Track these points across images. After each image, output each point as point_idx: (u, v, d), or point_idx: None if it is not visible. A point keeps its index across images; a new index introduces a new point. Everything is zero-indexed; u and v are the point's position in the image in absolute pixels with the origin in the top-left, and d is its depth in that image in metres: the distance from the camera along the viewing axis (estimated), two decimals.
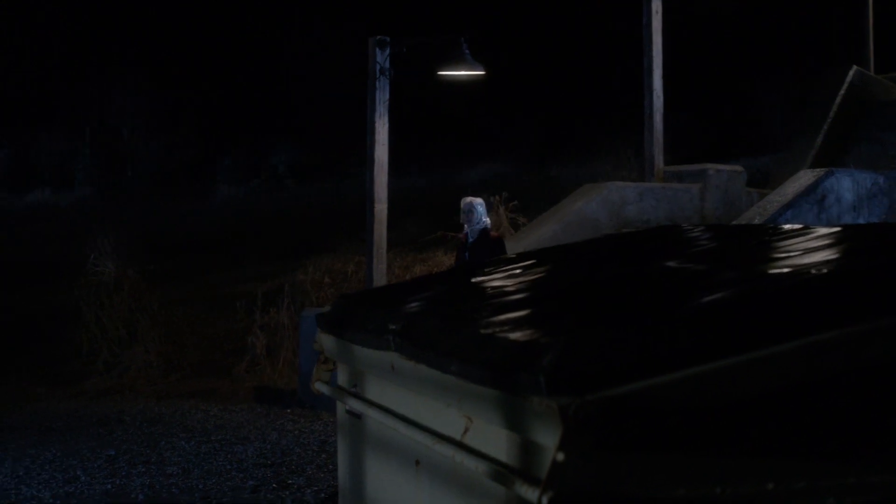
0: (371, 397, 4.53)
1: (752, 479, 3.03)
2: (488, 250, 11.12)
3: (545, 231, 13.54)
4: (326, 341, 4.93)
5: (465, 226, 11.66)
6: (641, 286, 3.88)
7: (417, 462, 4.08)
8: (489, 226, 11.71)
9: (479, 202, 11.71)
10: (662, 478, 2.97)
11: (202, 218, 27.30)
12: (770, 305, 3.25)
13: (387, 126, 13.19)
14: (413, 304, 4.36)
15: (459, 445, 3.63)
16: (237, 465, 10.07)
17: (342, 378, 4.93)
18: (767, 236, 4.69)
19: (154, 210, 28.74)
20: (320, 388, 5.01)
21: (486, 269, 5.01)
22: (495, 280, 4.70)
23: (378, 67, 13.11)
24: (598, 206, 13.81)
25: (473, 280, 4.81)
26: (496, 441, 3.40)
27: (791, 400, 3.09)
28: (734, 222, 12.64)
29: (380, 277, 13.01)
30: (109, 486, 9.36)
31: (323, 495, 8.83)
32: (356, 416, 4.70)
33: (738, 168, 15.16)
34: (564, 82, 30.06)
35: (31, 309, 17.39)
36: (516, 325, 3.49)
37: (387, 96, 13.15)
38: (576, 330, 3.20)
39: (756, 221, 11.83)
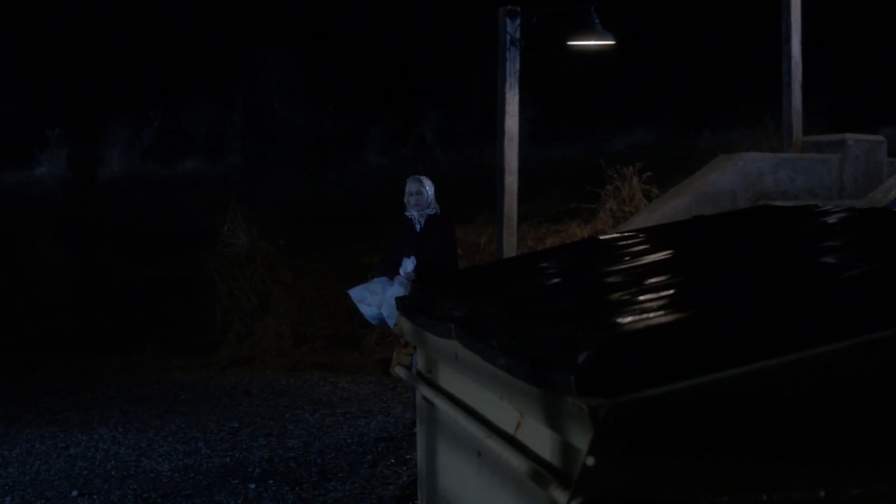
0: (442, 384, 4.44)
1: (801, 486, 2.87)
2: (441, 241, 9.81)
3: (678, 203, 13.24)
4: (405, 325, 4.84)
5: (413, 210, 9.88)
6: (696, 278, 3.70)
7: (479, 454, 3.97)
8: (439, 212, 10.00)
9: (428, 182, 10.00)
10: (702, 484, 2.82)
11: (347, 188, 27.42)
12: (821, 301, 3.05)
13: (517, 97, 12.98)
14: (483, 291, 4.25)
15: (511, 441, 3.51)
16: (358, 439, 10.06)
17: (421, 363, 4.84)
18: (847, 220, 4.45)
19: (300, 180, 28.98)
20: (399, 372, 4.93)
21: (567, 251, 4.87)
22: (573, 263, 4.55)
23: (508, 38, 12.90)
24: (733, 177, 13.45)
25: (550, 263, 4.66)
26: (542, 439, 3.28)
27: (844, 402, 2.91)
28: (870, 194, 12.21)
29: (510, 250, 12.86)
30: (228, 460, 9.43)
31: (404, 480, 8.75)
32: (431, 402, 4.61)
33: (880, 138, 14.63)
34: (710, 49, 29.48)
35: (174, 279, 17.63)
36: (566, 316, 3.35)
37: (517, 67, 12.92)
38: (615, 326, 3.05)
39: (892, 193, 11.40)
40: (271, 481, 8.75)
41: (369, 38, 35.74)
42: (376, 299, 9.86)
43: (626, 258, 4.37)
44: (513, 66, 12.87)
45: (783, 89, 14.48)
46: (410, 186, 9.93)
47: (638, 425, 2.75)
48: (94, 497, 8.42)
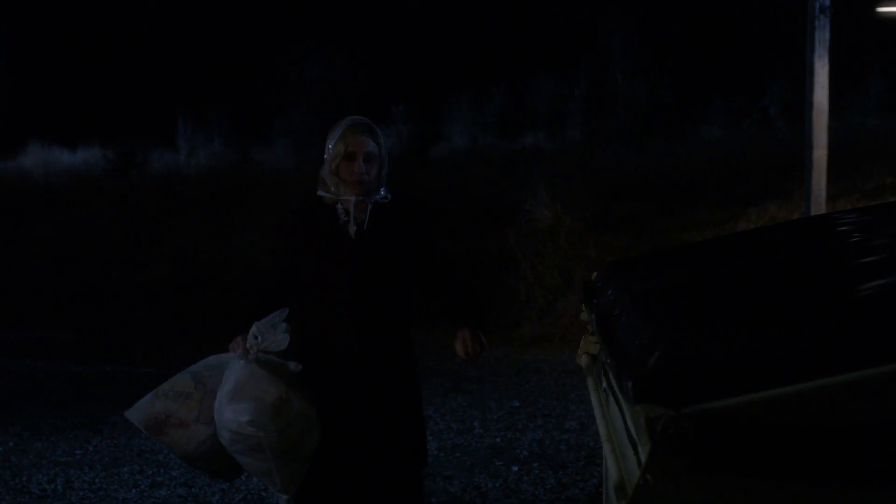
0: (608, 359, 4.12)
1: None
2: (414, 260, 5.25)
3: None
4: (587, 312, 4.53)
5: (347, 191, 5.06)
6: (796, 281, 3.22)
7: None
8: (391, 198, 5.19)
9: (383, 138, 5.18)
10: None
11: (679, 162, 26.86)
12: None
13: (826, 67, 12.56)
14: (640, 278, 3.89)
15: (635, 447, 3.19)
16: None
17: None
18: None
19: (634, 154, 28.61)
20: (585, 361, 4.62)
21: (761, 235, 4.41)
22: (750, 250, 4.11)
23: (817, 6, 12.47)
24: None
25: (712, 255, 4.22)
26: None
27: None
28: None
29: None
30: (499, 440, 9.28)
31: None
32: (606, 393, 4.30)
33: None
34: None
35: (485, 253, 17.66)
36: (674, 315, 2.98)
37: (827, 36, 12.51)
38: (700, 328, 2.67)
39: None
40: (536, 464, 8.55)
41: (710, 8, 35.02)
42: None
43: (795, 249, 3.90)
44: (822, 35, 12.45)
45: None
46: (349, 140, 5.01)
47: (705, 441, 2.39)
48: None
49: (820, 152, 12.49)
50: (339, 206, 5.13)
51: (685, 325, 2.75)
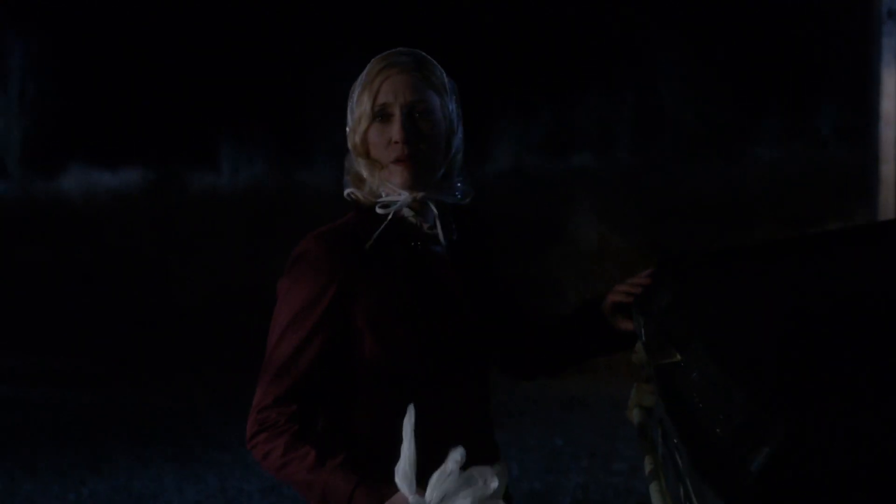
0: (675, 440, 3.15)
1: None
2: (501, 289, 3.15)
3: None
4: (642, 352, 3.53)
5: (397, 163, 2.74)
6: None
7: None
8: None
9: (449, 83, 2.91)
10: None
11: (732, 182, 26.01)
12: None
13: (895, 76, 11.81)
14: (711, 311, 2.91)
15: None
16: None
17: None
18: None
19: (683, 175, 27.84)
20: (635, 416, 3.61)
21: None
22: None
23: (885, 10, 11.79)
24: None
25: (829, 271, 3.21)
26: None
27: None
28: None
29: None
30: (538, 485, 8.42)
31: None
32: (665, 461, 3.35)
33: None
34: None
35: (527, 277, 16.89)
36: (781, 377, 2.01)
37: (895, 42, 11.81)
38: (817, 400, 1.71)
39: None
40: None
41: (762, 24, 34.25)
42: None
43: None
44: (890, 42, 11.76)
45: None
46: (380, 86, 2.73)
47: None
48: None
49: (888, 166, 11.84)
50: (379, 210, 2.77)
51: (803, 394, 1.79)
